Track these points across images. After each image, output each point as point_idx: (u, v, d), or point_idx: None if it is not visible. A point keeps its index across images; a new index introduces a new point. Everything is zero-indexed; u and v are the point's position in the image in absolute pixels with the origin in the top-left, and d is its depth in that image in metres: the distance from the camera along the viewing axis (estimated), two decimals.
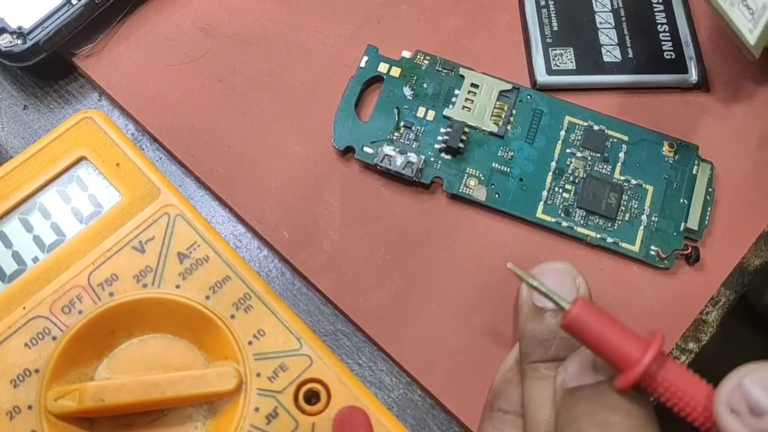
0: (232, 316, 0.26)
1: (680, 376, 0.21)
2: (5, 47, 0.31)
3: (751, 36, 0.28)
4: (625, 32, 0.33)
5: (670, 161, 0.31)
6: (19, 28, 0.31)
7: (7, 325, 0.25)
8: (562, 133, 0.31)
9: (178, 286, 0.26)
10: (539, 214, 0.30)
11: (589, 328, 0.22)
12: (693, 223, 0.30)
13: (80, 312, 0.26)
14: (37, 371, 0.25)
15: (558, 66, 0.33)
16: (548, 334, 0.24)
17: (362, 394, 0.25)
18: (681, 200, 0.31)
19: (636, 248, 0.30)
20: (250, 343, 0.25)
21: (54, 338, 0.25)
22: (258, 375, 0.25)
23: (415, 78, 0.32)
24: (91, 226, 0.27)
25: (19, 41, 0.31)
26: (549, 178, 0.31)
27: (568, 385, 0.23)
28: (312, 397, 0.25)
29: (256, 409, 0.25)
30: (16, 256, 0.27)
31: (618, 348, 0.21)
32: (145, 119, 0.32)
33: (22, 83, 0.33)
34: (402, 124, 0.31)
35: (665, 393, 0.21)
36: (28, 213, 0.28)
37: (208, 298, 0.26)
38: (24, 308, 0.26)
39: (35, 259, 0.27)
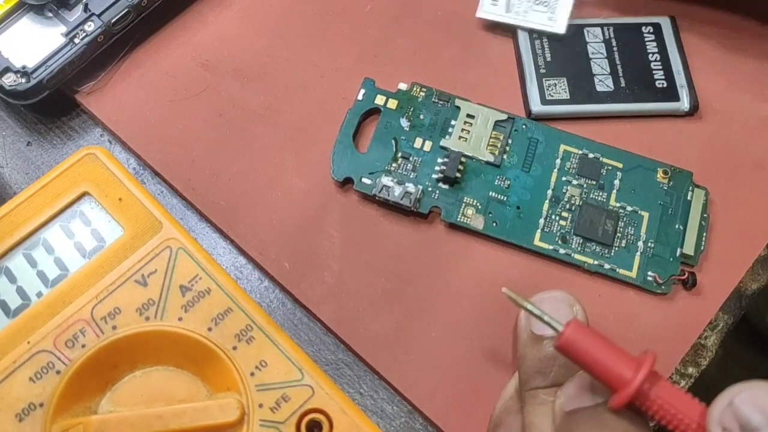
0: (234, 348, 0.26)
1: (673, 395, 0.22)
2: (10, 86, 0.31)
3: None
4: (617, 62, 0.34)
5: (665, 188, 0.32)
6: (23, 67, 0.32)
7: (12, 359, 0.26)
8: (558, 161, 0.32)
9: (180, 319, 0.26)
10: (536, 242, 0.31)
11: (583, 350, 0.22)
12: (689, 248, 0.31)
13: (83, 346, 0.26)
14: (41, 405, 0.25)
15: (552, 96, 0.33)
16: (547, 360, 0.25)
17: (364, 424, 0.25)
18: (676, 226, 0.31)
19: (633, 274, 0.30)
20: (252, 374, 0.25)
21: (58, 372, 0.25)
22: (260, 406, 0.25)
23: (411, 109, 0.33)
24: (94, 260, 0.27)
25: (23, 80, 0.32)
26: (546, 206, 0.31)
27: (567, 408, 0.23)
28: (314, 428, 0.25)
29: None
30: (21, 291, 0.27)
31: (611, 368, 0.22)
32: (146, 154, 0.32)
33: (25, 120, 0.34)
34: (399, 155, 0.32)
35: (659, 411, 0.22)
36: (32, 248, 0.28)
37: (210, 330, 0.26)
38: (28, 343, 0.26)
39: (39, 294, 0.27)
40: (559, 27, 0.33)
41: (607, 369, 0.22)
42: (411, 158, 0.32)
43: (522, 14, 0.33)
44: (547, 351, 0.25)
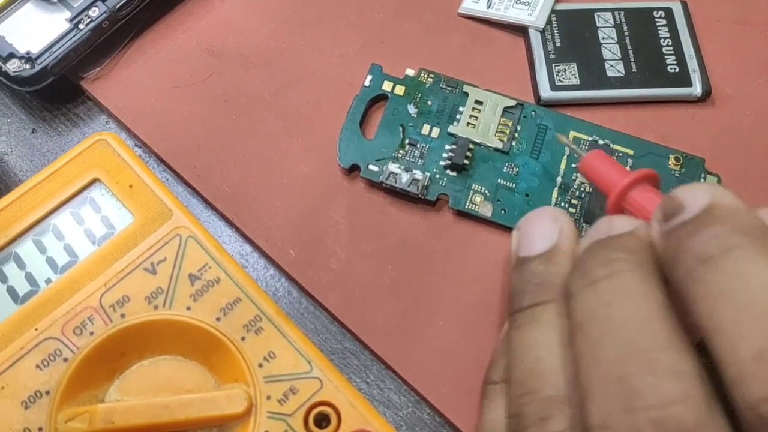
0: (243, 338, 0.26)
1: (651, 199, 0.25)
2: (14, 72, 0.31)
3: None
4: (628, 47, 0.34)
5: (677, 175, 0.31)
6: (28, 53, 0.31)
7: (19, 346, 0.26)
8: (567, 148, 0.32)
9: (189, 308, 0.26)
10: None
11: (597, 168, 0.27)
12: None
13: (92, 333, 0.26)
14: (48, 393, 0.25)
15: (562, 81, 0.33)
16: (525, 282, 0.24)
17: (373, 418, 0.25)
18: None
19: None
20: (260, 365, 0.25)
21: (65, 360, 0.25)
22: (268, 398, 0.25)
23: (419, 95, 0.32)
24: (104, 247, 0.27)
25: (28, 66, 0.31)
26: (555, 194, 0.31)
27: (583, 245, 0.23)
28: (322, 420, 0.25)
29: None
30: (29, 278, 0.27)
31: (614, 178, 0.26)
32: (151, 140, 0.32)
33: (30, 107, 0.34)
34: (407, 141, 0.32)
35: (636, 213, 0.24)
36: (41, 234, 0.28)
37: (218, 319, 0.26)
38: (36, 329, 0.26)
39: (48, 281, 0.27)
40: (539, 22, 0.33)
41: (611, 179, 0.26)
42: (418, 145, 0.31)
43: (503, 11, 0.34)
44: (528, 271, 0.24)
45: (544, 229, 0.24)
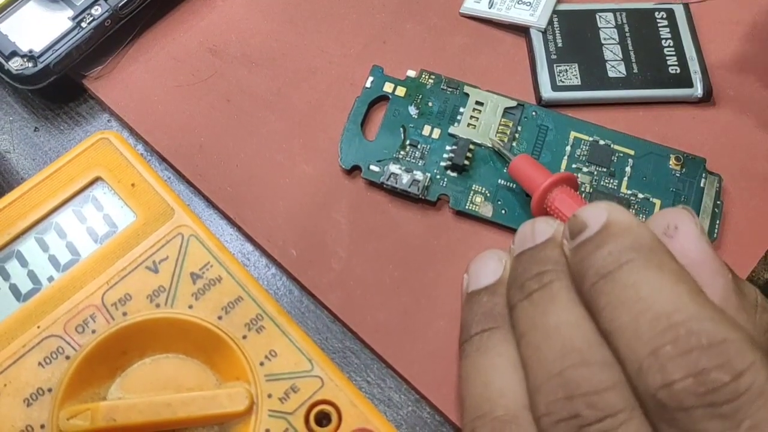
0: (244, 337, 0.26)
1: (568, 202, 0.28)
2: (16, 70, 0.31)
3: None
4: (630, 48, 0.34)
5: (677, 174, 0.31)
6: (30, 51, 0.31)
7: (22, 343, 0.26)
8: (568, 148, 0.32)
9: (190, 306, 0.26)
10: None
11: (523, 170, 0.30)
12: None
13: (94, 331, 0.26)
14: (50, 390, 0.25)
15: (563, 82, 0.33)
16: (473, 313, 0.25)
17: (373, 417, 0.25)
18: None
19: None
20: (261, 363, 0.25)
21: (67, 357, 0.26)
22: (269, 396, 0.25)
23: (420, 97, 0.32)
24: (106, 245, 0.28)
25: (30, 64, 0.31)
26: None
27: (515, 253, 0.25)
28: (323, 419, 0.25)
29: (267, 431, 0.25)
30: (32, 275, 0.27)
31: (537, 180, 0.29)
32: (153, 139, 0.32)
33: (32, 105, 0.34)
34: (408, 142, 0.32)
35: (555, 214, 0.27)
36: (44, 232, 0.28)
37: (220, 318, 0.26)
38: (38, 327, 0.26)
39: (50, 279, 0.27)
40: (541, 22, 0.34)
41: (534, 180, 0.29)
42: (419, 146, 0.32)
43: (504, 11, 0.34)
44: (477, 304, 0.25)
45: (490, 267, 0.26)
